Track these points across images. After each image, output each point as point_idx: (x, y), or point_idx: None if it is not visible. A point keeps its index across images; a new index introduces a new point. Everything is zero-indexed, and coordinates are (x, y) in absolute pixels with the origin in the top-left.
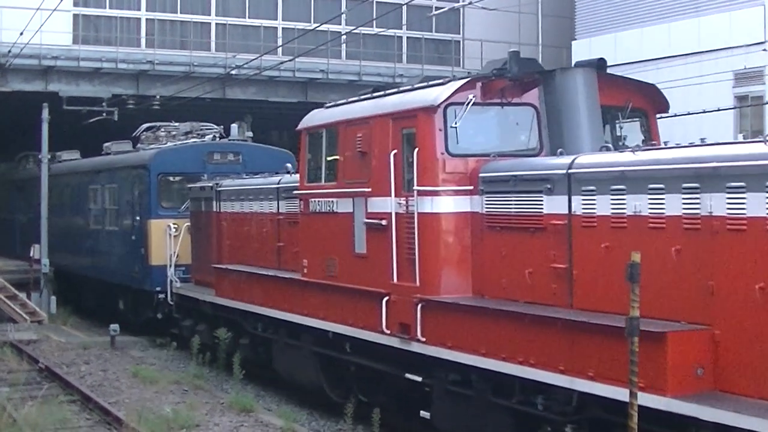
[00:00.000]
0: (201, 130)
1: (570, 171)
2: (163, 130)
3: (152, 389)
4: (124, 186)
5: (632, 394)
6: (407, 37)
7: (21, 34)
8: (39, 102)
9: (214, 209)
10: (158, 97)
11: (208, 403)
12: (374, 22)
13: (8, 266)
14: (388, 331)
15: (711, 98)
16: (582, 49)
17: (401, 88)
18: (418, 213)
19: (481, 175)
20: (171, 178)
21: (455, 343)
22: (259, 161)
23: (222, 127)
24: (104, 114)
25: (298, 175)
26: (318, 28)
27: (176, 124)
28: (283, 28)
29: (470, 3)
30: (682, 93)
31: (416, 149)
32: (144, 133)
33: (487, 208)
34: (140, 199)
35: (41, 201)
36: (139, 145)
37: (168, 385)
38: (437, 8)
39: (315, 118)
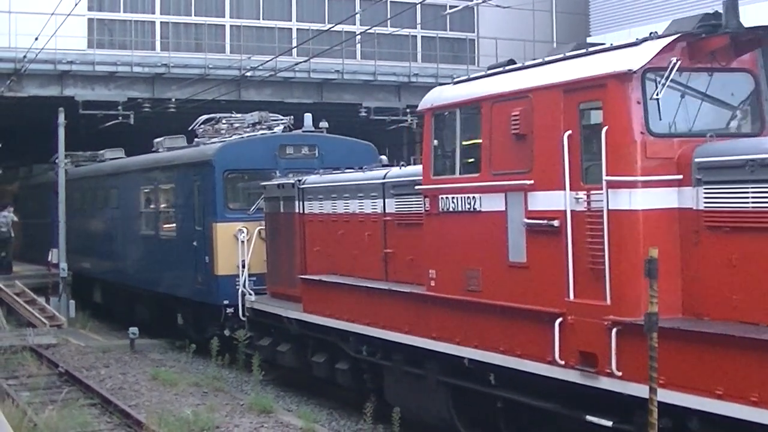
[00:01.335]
0: (269, 120)
1: None
2: (224, 121)
3: (172, 392)
4: (183, 186)
5: (652, 390)
6: (422, 37)
7: (36, 39)
8: (55, 107)
9: (297, 210)
10: (174, 100)
11: (228, 405)
12: (388, 21)
13: (27, 271)
14: (563, 362)
15: None
16: None
17: (568, 54)
18: (610, 210)
19: (696, 160)
20: (239, 176)
21: (670, 380)
22: (337, 155)
23: (291, 117)
24: (120, 118)
25: (408, 168)
26: (332, 29)
27: (238, 115)
28: (297, 29)
29: (484, 1)
30: None
31: (605, 128)
32: (202, 126)
33: (706, 202)
34: (203, 200)
35: (59, 205)
36: (196, 140)
37: (188, 387)
38: (451, 7)
39: (444, 95)
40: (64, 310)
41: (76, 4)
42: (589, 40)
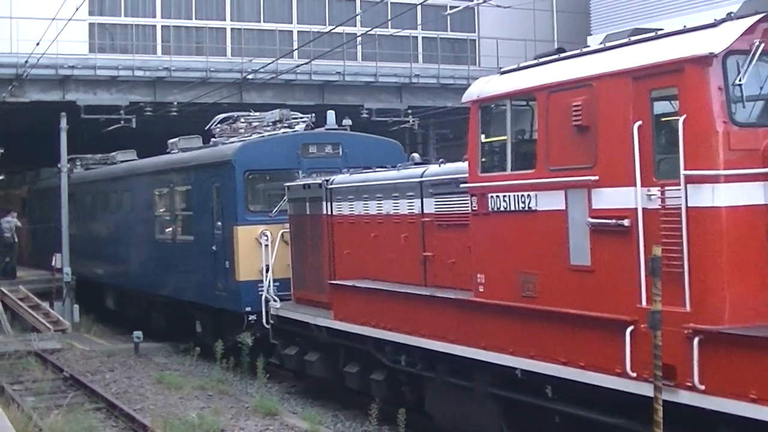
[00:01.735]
0: (290, 118)
1: None
2: (242, 120)
3: (177, 395)
4: (201, 187)
5: (656, 388)
6: (422, 37)
7: (37, 44)
8: (57, 112)
9: (325, 211)
10: (176, 103)
11: (233, 408)
12: (389, 22)
13: (31, 276)
14: (634, 374)
15: None
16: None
17: (633, 38)
18: (689, 208)
19: None
20: (260, 176)
21: (763, 394)
22: (361, 153)
23: (311, 115)
24: (122, 122)
25: (448, 165)
26: (333, 31)
27: (257, 113)
28: (298, 31)
29: (485, 1)
30: None
31: (682, 117)
32: (218, 125)
33: None
34: (222, 202)
35: (62, 209)
36: (213, 140)
37: (192, 390)
38: (452, 7)
39: (492, 86)
40: (69, 315)
41: (77, 9)
42: (589, 38)
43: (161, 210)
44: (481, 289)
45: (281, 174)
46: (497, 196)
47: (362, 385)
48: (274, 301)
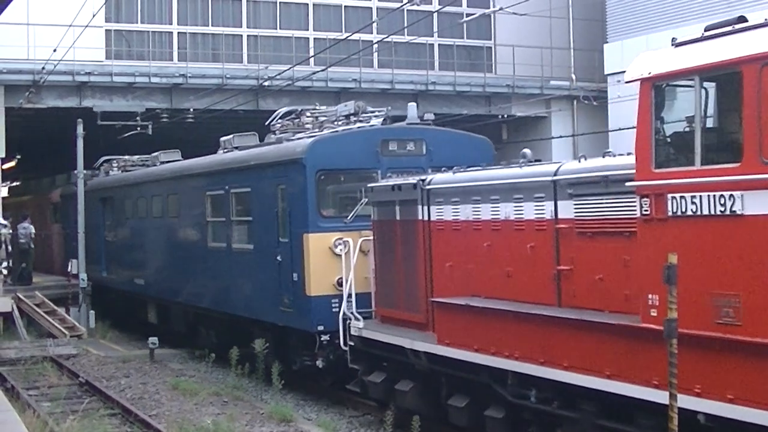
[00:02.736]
0: (367, 111)
1: None
2: (308, 114)
3: (192, 401)
4: (263, 190)
5: (672, 396)
6: (439, 45)
7: (54, 50)
8: (74, 118)
9: (420, 216)
10: (192, 110)
11: (248, 414)
12: (405, 30)
13: (48, 282)
14: None
15: None
16: (614, 52)
17: None
18: None
19: None
20: (334, 177)
21: None
22: (447, 151)
23: (389, 108)
24: (138, 128)
25: (591, 161)
26: (349, 38)
27: (323, 107)
28: (314, 38)
29: (501, 9)
30: None
31: None
32: (280, 121)
33: None
34: (290, 206)
35: (78, 216)
36: (275, 137)
37: (208, 396)
38: (468, 15)
39: (670, 59)
40: (84, 321)
41: (93, 16)
42: (606, 46)
43: (214, 215)
44: (654, 313)
45: (357, 175)
46: (681, 197)
47: (472, 421)
48: (356, 319)
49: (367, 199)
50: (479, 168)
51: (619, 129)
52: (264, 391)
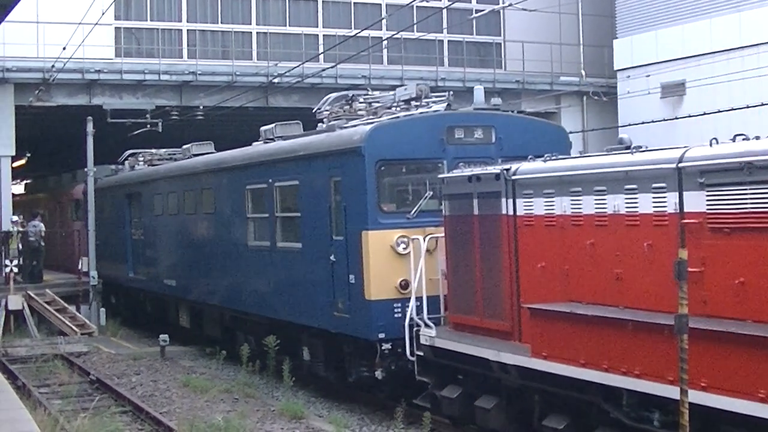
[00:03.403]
0: (429, 96)
1: None
2: (361, 99)
3: (203, 398)
4: (313, 182)
5: (683, 392)
6: (448, 41)
7: (64, 48)
8: (83, 116)
9: (505, 211)
10: (201, 107)
11: (259, 411)
12: (415, 26)
13: (58, 279)
14: None
15: (754, 93)
16: (623, 48)
17: None
18: None
19: None
20: (396, 168)
21: None
22: (519, 140)
23: (450, 93)
24: (148, 126)
25: (730, 145)
26: (359, 34)
27: (376, 92)
28: (324, 35)
29: (510, 5)
30: (724, 89)
31: None
32: (327, 108)
33: None
34: (346, 200)
35: (87, 213)
36: (322, 125)
37: (219, 393)
38: (477, 11)
39: None
40: (95, 318)
41: (103, 13)
42: (615, 42)
43: (255, 211)
44: None
45: (420, 165)
46: None
47: None
48: (427, 327)
49: (431, 193)
50: (574, 156)
51: (629, 125)
52: (275, 388)
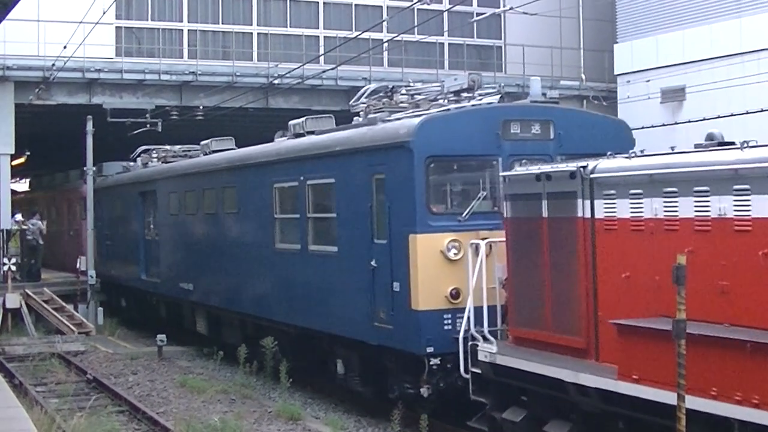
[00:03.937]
0: (483, 87)
1: None
2: (403, 91)
3: (200, 399)
4: (351, 180)
5: (680, 397)
6: (449, 44)
7: (64, 47)
8: (83, 115)
9: (580, 213)
10: (201, 107)
11: (256, 412)
12: (416, 29)
13: (56, 278)
14: None
15: (755, 99)
16: (624, 52)
17: None
18: None
19: None
20: (447, 165)
21: None
22: (579, 136)
23: (502, 84)
24: (148, 125)
25: None
26: (360, 36)
27: (419, 84)
28: (324, 36)
29: (511, 8)
30: (724, 94)
31: None
32: (365, 100)
33: None
34: (390, 200)
35: (87, 213)
36: (359, 119)
37: (215, 394)
38: (478, 14)
39: None
40: (93, 318)
41: (104, 13)
42: (616, 46)
43: (284, 211)
44: None
45: (473, 162)
46: None
47: None
48: (487, 341)
49: (485, 193)
50: (663, 153)
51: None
52: (272, 389)
